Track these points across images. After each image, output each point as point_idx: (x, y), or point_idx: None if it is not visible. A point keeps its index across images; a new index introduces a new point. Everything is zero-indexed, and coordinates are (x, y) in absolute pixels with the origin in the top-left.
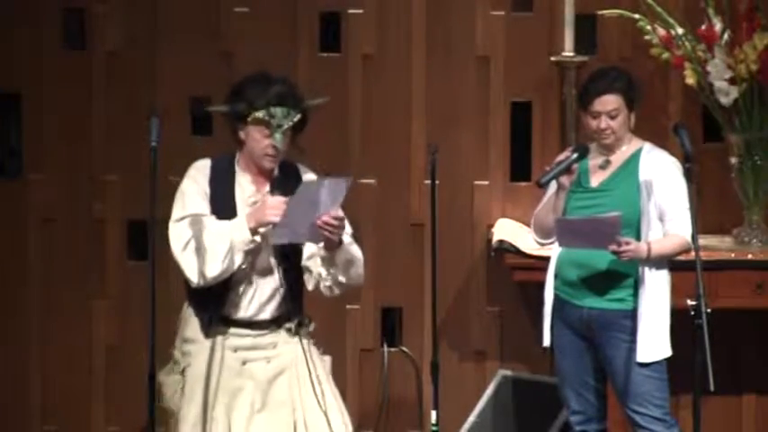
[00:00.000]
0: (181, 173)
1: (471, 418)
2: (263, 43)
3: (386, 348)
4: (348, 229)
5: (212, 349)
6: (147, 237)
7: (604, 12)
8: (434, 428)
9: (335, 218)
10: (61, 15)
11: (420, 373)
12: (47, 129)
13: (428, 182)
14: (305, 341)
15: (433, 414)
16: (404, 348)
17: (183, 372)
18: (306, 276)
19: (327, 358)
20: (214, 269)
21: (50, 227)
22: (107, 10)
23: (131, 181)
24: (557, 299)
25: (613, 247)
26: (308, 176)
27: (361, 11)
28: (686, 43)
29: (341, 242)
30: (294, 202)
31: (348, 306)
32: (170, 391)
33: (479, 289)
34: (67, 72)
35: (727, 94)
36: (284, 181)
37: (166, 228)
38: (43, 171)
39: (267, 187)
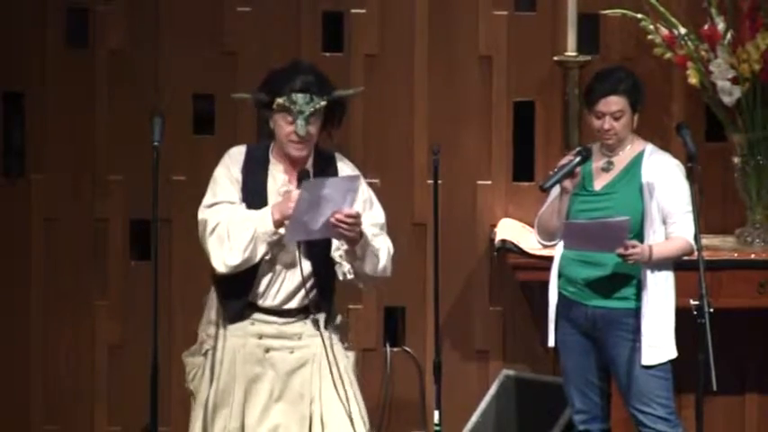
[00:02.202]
0: (183, 172)
1: (474, 418)
2: (265, 43)
3: (388, 348)
4: (378, 220)
5: (236, 335)
6: (150, 236)
7: (607, 11)
8: (437, 428)
9: (348, 215)
10: (64, 15)
11: (423, 373)
12: (50, 128)
13: (431, 181)
14: (328, 334)
15: (436, 414)
16: (406, 348)
17: (204, 354)
18: (336, 267)
19: (352, 354)
20: (235, 258)
21: (53, 226)
22: (110, 9)
23: (134, 180)
24: (561, 298)
25: (620, 251)
26: (345, 167)
27: (363, 10)
28: (689, 43)
29: (361, 236)
30: (300, 201)
31: (351, 305)
32: (191, 372)
33: (482, 289)
34: (70, 71)
35: (729, 93)
36: (319, 172)
37: (168, 227)
38: (46, 170)
39: None
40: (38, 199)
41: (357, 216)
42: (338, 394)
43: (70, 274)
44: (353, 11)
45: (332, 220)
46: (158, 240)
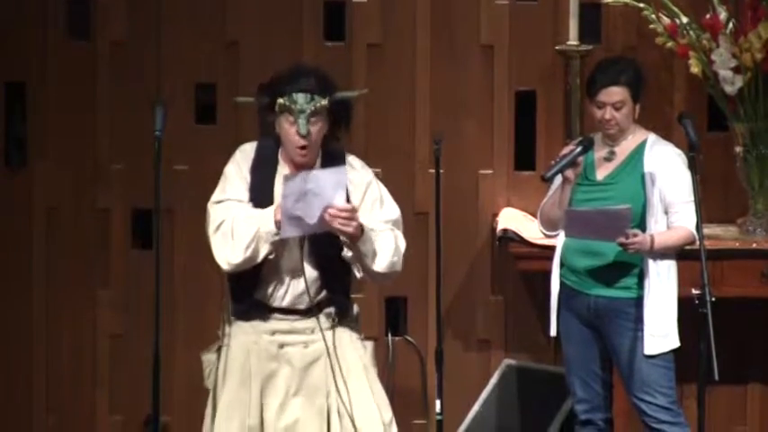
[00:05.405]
0: (185, 162)
1: (475, 407)
2: (268, 32)
3: (390, 337)
4: (390, 216)
5: (249, 332)
6: (152, 226)
7: (609, 0)
8: (439, 417)
9: (343, 209)
10: (66, 5)
11: (424, 363)
12: (51, 118)
13: (432, 171)
14: (340, 329)
15: (438, 403)
16: (408, 337)
17: (218, 351)
18: (352, 267)
19: (369, 344)
20: (237, 256)
21: (55, 216)
22: (112, 0)
23: (136, 170)
24: (563, 287)
25: (621, 240)
26: (355, 168)
27: (365, 0)
28: (691, 32)
29: (362, 231)
30: (285, 197)
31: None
32: (206, 369)
33: (484, 278)
34: (72, 61)
35: (731, 83)
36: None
37: (170, 217)
38: (48, 160)
39: None
40: (39, 189)
41: (352, 210)
42: (358, 385)
43: (72, 264)
44: (355, 0)
45: (326, 215)
46: (160, 230)
